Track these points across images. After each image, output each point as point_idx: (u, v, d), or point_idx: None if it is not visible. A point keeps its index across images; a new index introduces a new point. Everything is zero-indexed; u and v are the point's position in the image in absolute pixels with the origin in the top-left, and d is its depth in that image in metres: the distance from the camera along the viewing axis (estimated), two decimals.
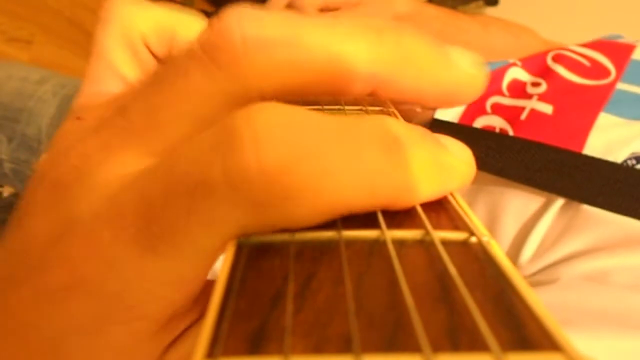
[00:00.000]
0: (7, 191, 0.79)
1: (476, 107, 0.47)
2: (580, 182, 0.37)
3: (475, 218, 0.13)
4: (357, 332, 0.09)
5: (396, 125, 0.12)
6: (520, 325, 0.10)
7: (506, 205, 0.39)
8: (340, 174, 0.11)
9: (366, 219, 0.13)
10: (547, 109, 0.44)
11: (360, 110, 0.18)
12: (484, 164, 0.40)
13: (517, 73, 0.49)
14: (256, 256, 0.12)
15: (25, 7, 1.20)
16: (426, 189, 0.13)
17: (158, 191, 0.12)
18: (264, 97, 0.13)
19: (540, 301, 0.10)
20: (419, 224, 0.13)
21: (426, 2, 0.60)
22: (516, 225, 0.39)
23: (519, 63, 0.50)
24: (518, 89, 0.47)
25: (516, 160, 0.39)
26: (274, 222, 0.12)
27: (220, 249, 0.12)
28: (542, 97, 0.45)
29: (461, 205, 0.14)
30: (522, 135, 0.42)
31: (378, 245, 0.12)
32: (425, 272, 0.11)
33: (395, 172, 0.12)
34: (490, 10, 1.35)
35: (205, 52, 0.13)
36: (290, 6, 0.57)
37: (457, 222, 0.14)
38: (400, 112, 0.19)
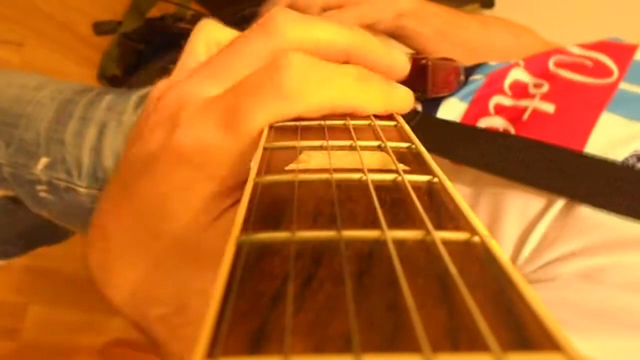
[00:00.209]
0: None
1: (480, 108, 0.47)
2: (580, 182, 0.37)
3: (475, 218, 0.13)
4: (357, 332, 0.09)
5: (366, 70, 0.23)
6: (520, 325, 0.10)
7: (507, 207, 0.39)
8: (330, 88, 0.21)
9: (366, 219, 0.13)
10: (549, 108, 0.43)
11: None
12: (485, 165, 0.40)
13: (520, 74, 0.49)
14: (256, 256, 0.12)
15: (17, 9, 1.20)
16: (377, 103, 0.23)
17: (236, 93, 0.21)
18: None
19: (541, 301, 0.10)
20: (419, 224, 0.13)
21: (427, 1, 0.61)
22: (517, 226, 0.39)
23: (521, 63, 0.49)
24: (520, 89, 0.47)
25: (517, 160, 0.39)
26: (293, 111, 0.21)
27: (261, 134, 0.20)
28: (544, 97, 0.45)
29: (462, 205, 0.14)
30: (524, 134, 0.42)
31: (378, 245, 0.12)
32: (426, 272, 0.11)
33: (359, 90, 0.22)
34: (486, 13, 1.34)
35: (259, 25, 0.23)
36: (292, 6, 0.57)
37: (457, 223, 0.14)
38: None
